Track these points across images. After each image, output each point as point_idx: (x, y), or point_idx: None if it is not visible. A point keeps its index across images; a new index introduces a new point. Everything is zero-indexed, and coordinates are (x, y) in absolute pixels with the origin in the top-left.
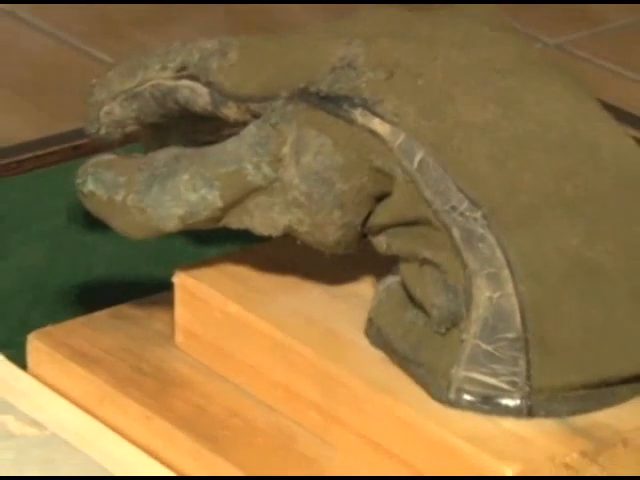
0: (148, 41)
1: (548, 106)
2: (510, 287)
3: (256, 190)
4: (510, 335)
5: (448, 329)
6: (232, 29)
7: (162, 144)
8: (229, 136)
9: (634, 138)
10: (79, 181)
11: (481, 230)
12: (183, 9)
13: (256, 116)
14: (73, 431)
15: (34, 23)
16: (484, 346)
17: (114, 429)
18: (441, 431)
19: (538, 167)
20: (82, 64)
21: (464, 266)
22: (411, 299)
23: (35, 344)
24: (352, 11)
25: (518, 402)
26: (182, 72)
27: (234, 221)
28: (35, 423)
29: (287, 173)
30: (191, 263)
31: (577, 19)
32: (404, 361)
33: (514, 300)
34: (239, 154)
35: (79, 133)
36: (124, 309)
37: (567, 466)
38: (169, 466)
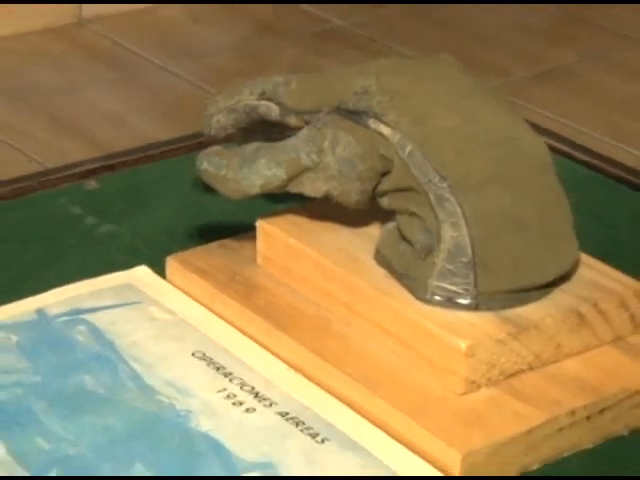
0: (242, 82)
1: (490, 118)
2: (464, 230)
3: (307, 169)
4: (464, 259)
5: (426, 256)
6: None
7: (249, 141)
8: (291, 135)
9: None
10: (198, 162)
11: (447, 195)
12: (267, 65)
13: (308, 123)
14: (194, 317)
15: (176, 72)
16: (448, 266)
17: (219, 316)
18: (421, 319)
19: (483, 156)
20: (201, 96)
21: (436, 217)
22: (403, 237)
23: (171, 263)
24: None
25: (469, 301)
26: (262, 96)
27: (293, 188)
28: (170, 311)
29: (326, 158)
30: (267, 214)
31: (489, 72)
32: (399, 275)
33: (467, 238)
34: (297, 147)
35: (199, 134)
36: (226, 242)
37: (499, 341)
38: (252, 339)
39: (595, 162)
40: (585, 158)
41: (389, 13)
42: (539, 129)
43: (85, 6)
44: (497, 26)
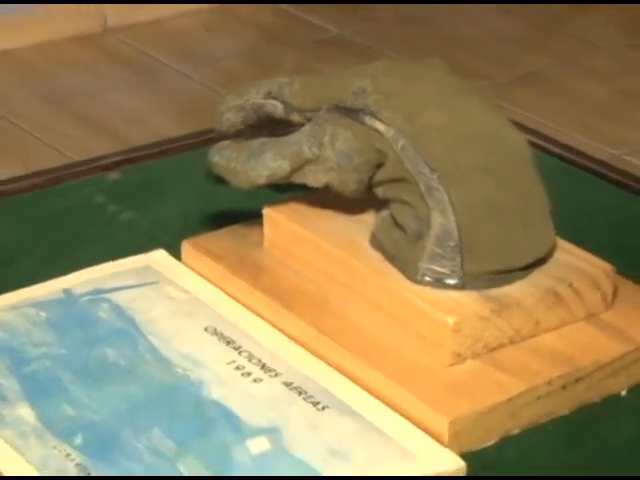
0: (250, 83)
1: (477, 117)
2: (452, 217)
3: (309, 161)
4: (452, 244)
5: (417, 240)
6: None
7: (256, 136)
8: (294, 131)
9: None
10: (210, 156)
11: (436, 185)
12: (272, 69)
13: (309, 120)
14: (207, 296)
15: (191, 76)
16: (437, 250)
17: (229, 295)
18: (412, 297)
19: (470, 150)
20: (213, 97)
21: (426, 205)
22: (396, 223)
23: (186, 247)
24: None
25: (456, 281)
26: (268, 95)
27: (296, 179)
28: (184, 291)
29: (326, 152)
30: (273, 202)
31: (472, 76)
32: (392, 258)
33: (454, 224)
34: (300, 141)
35: (211, 130)
36: (236, 228)
37: (483, 318)
38: (259, 315)
39: (570, 156)
40: (561, 153)
41: (383, 23)
42: (520, 127)
43: (110, 16)
44: (478, 35)
